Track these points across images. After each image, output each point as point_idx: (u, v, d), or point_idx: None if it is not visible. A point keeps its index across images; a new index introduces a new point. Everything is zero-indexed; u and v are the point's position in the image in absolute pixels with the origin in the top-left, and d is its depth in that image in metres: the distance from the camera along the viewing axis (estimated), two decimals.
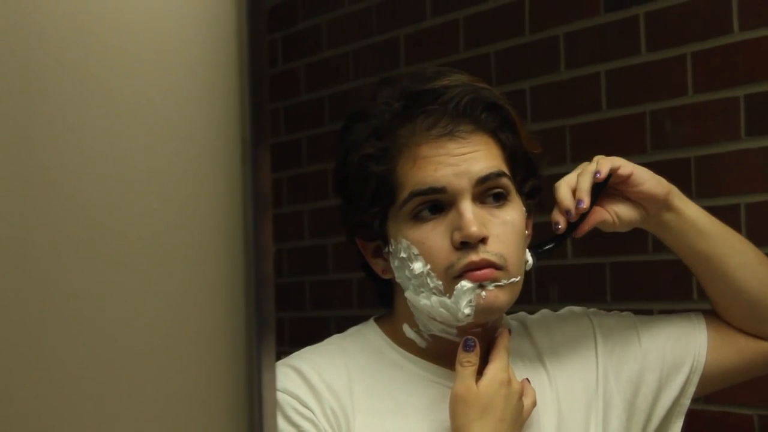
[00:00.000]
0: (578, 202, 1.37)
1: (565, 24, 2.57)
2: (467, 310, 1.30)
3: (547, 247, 1.42)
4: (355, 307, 3.14)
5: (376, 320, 1.43)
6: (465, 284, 1.29)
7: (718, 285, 1.49)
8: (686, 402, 1.49)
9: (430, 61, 2.88)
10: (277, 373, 1.33)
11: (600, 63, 2.49)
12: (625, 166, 1.40)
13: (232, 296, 0.64)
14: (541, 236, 1.43)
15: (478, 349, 1.32)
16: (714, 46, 2.26)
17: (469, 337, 1.32)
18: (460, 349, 1.32)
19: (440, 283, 1.30)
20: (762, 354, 1.51)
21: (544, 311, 1.53)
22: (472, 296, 1.30)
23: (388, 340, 1.40)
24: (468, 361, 1.31)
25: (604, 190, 1.40)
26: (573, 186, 1.39)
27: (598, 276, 2.49)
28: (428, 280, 1.31)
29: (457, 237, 1.30)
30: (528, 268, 1.37)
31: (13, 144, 0.59)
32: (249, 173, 0.64)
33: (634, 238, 2.39)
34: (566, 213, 1.38)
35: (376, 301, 1.46)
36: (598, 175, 1.38)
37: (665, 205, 1.43)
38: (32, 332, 0.59)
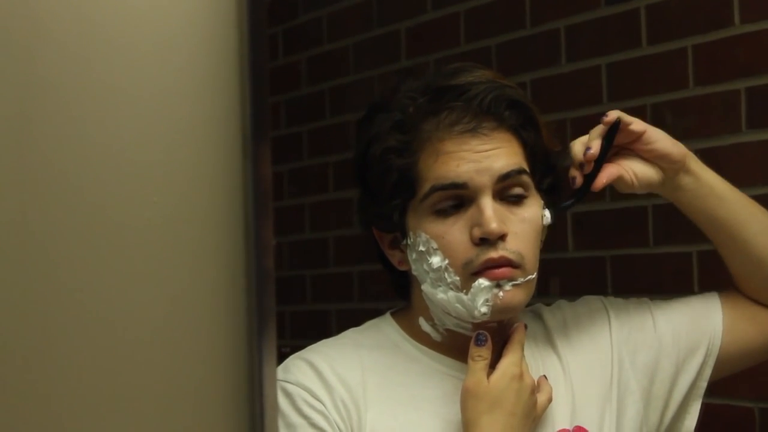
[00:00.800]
0: (586, 149, 1.38)
1: (566, 17, 2.56)
2: (484, 309, 1.30)
3: (567, 203, 1.42)
4: (356, 300, 3.14)
5: (392, 314, 1.44)
6: (482, 282, 1.30)
7: (737, 254, 1.48)
8: (703, 384, 1.49)
9: (431, 55, 2.88)
10: (290, 366, 1.34)
11: (601, 56, 2.48)
12: (638, 122, 1.41)
13: (233, 289, 0.64)
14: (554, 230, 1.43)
15: (490, 343, 1.32)
16: (715, 38, 2.26)
17: (481, 331, 1.33)
18: (471, 343, 1.32)
19: (458, 278, 1.31)
20: None
21: (560, 301, 1.54)
22: (489, 295, 1.30)
23: (404, 333, 1.40)
24: (479, 356, 1.32)
25: (613, 143, 1.39)
26: (586, 142, 1.40)
27: (599, 269, 2.49)
28: (446, 275, 1.31)
29: (477, 233, 1.30)
30: (546, 224, 1.37)
31: (13, 136, 0.59)
32: (249, 167, 0.64)
33: (635, 230, 2.39)
34: (580, 166, 1.38)
35: (392, 292, 1.46)
36: (604, 118, 1.39)
37: (682, 167, 1.43)
38: (31, 324, 0.59)
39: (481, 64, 1.43)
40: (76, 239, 0.60)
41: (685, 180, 1.44)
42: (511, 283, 1.31)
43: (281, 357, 1.37)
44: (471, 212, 1.31)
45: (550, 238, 1.43)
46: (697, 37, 2.29)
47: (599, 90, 2.48)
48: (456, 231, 1.31)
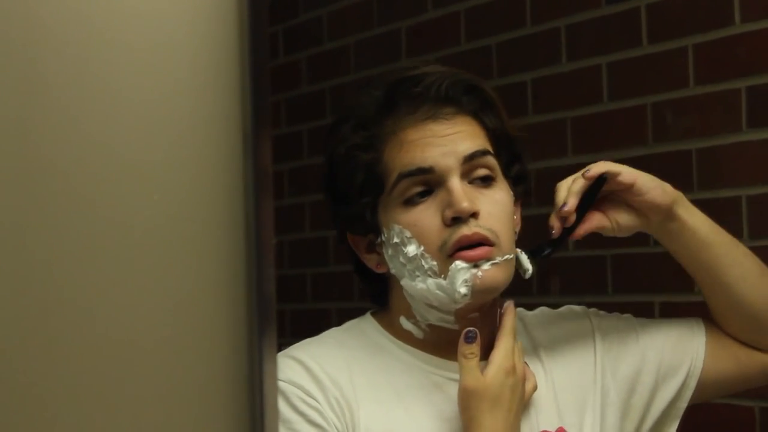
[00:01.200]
0: (562, 204, 1.37)
1: (567, 16, 2.56)
2: (463, 290, 1.30)
3: (545, 252, 1.41)
4: (356, 299, 3.14)
5: (373, 314, 1.44)
6: (459, 264, 1.30)
7: (718, 295, 1.49)
8: (683, 405, 1.49)
9: (431, 54, 2.88)
10: (280, 364, 1.33)
11: (601, 55, 2.48)
12: (628, 174, 1.39)
13: (233, 288, 0.64)
14: (535, 232, 1.43)
15: (479, 339, 1.32)
16: (715, 38, 2.26)
17: (470, 328, 1.32)
18: (461, 341, 1.32)
19: (435, 263, 1.31)
20: (759, 365, 1.52)
21: (543, 308, 1.54)
22: (467, 275, 1.30)
23: (386, 332, 1.40)
24: (471, 353, 1.32)
25: (598, 195, 1.39)
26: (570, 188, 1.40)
27: (599, 268, 2.49)
28: (423, 262, 1.31)
29: (449, 213, 1.30)
30: (527, 276, 1.37)
31: (14, 136, 0.59)
32: (250, 165, 0.64)
33: None
34: (560, 218, 1.38)
35: (370, 299, 1.46)
36: (586, 173, 1.38)
37: (668, 215, 1.42)
38: (32, 323, 0.59)
39: (480, 63, 1.43)
40: (76, 238, 0.60)
41: (670, 225, 1.44)
42: (489, 263, 1.31)
43: None
44: (440, 196, 1.32)
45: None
46: (698, 36, 2.29)
47: (600, 89, 2.48)
48: (428, 216, 1.32)
